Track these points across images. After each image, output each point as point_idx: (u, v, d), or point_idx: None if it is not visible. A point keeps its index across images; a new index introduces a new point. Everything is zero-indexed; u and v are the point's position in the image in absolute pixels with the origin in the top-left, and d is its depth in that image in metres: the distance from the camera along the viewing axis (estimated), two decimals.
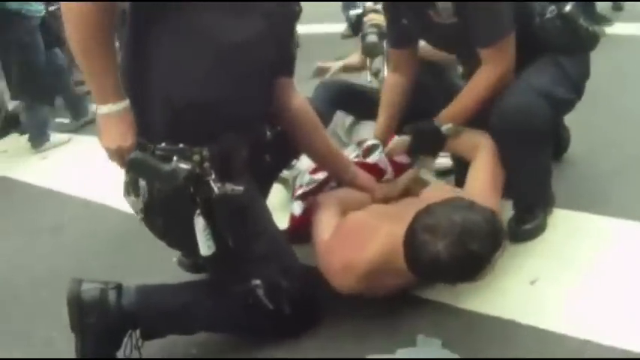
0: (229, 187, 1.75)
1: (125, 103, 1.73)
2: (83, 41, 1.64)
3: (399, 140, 2.34)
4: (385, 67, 2.79)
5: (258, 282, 1.90)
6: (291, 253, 2.05)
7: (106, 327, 1.92)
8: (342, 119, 3.21)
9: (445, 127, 2.26)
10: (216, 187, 1.73)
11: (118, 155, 1.76)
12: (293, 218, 2.35)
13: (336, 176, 2.30)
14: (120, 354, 1.97)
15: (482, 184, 2.17)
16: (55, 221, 3.25)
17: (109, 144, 1.75)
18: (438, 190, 2.19)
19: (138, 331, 1.97)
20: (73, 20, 1.63)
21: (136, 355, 1.98)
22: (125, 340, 1.96)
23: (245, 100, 1.82)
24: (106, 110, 1.72)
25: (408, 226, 1.86)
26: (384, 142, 2.41)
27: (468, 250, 1.78)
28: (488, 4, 2.08)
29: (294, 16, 1.97)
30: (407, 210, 1.97)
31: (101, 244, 2.89)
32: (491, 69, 2.17)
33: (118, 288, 1.96)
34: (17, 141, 4.80)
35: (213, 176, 1.74)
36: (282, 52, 1.94)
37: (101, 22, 1.63)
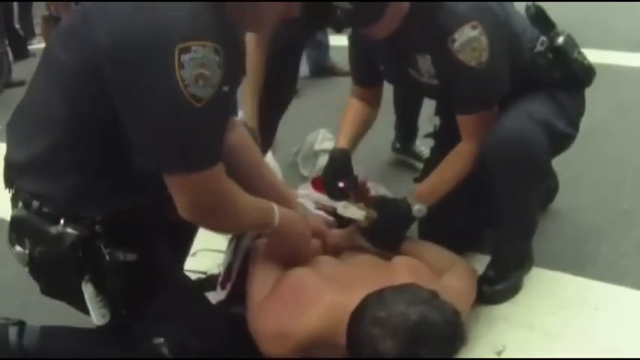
0: (122, 253, 1.72)
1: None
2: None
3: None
4: None
5: (161, 340, 1.85)
6: (205, 310, 2.00)
7: None
8: (308, 142, 3.24)
9: (417, 208, 2.22)
10: (106, 254, 1.71)
11: None
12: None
13: None
14: None
15: (457, 283, 2.10)
16: None
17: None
18: (409, 265, 2.08)
19: None
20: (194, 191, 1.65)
21: None
22: None
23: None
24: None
25: (356, 308, 1.77)
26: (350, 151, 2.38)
27: (417, 356, 1.68)
28: (479, 70, 2.01)
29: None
30: (361, 274, 1.91)
31: (12, 278, 2.57)
32: (470, 145, 2.15)
33: (21, 325, 1.93)
34: None
35: (104, 241, 1.71)
36: None
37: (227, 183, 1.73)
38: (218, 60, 1.51)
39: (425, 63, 2.12)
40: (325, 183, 2.33)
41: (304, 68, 4.98)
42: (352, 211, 2.25)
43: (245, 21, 1.72)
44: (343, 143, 2.37)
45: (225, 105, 1.68)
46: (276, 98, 2.91)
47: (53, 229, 1.67)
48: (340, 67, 4.65)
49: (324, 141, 3.23)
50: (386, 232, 2.26)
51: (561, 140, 2.24)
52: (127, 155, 1.61)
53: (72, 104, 1.62)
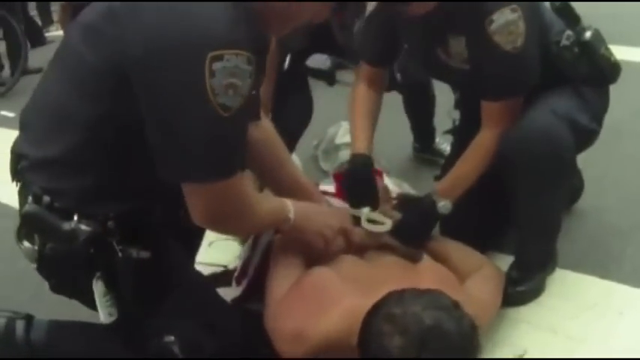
0: (134, 251, 1.69)
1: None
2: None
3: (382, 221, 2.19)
4: None
5: (172, 338, 1.82)
6: (217, 307, 1.96)
7: None
8: (329, 136, 3.20)
9: (442, 204, 2.17)
10: (119, 251, 1.67)
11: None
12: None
13: None
14: None
15: (483, 292, 2.04)
16: None
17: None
18: (436, 271, 2.03)
19: None
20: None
21: None
22: None
23: None
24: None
25: (374, 304, 1.72)
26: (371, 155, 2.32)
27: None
28: (512, 55, 1.98)
29: None
30: (385, 277, 1.85)
31: (22, 270, 2.63)
32: (491, 132, 2.11)
33: (28, 319, 1.89)
34: None
35: (117, 237, 1.68)
36: None
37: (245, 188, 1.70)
38: (250, 70, 1.48)
39: (457, 45, 2.08)
40: (348, 195, 2.27)
41: (326, 60, 4.91)
42: (377, 218, 2.18)
43: (274, 20, 1.67)
44: (362, 146, 2.31)
45: (250, 109, 1.65)
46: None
47: (66, 225, 1.64)
48: None
49: (346, 134, 3.16)
50: (412, 230, 2.21)
51: (585, 136, 2.20)
52: (142, 155, 1.58)
53: (90, 101, 1.60)
